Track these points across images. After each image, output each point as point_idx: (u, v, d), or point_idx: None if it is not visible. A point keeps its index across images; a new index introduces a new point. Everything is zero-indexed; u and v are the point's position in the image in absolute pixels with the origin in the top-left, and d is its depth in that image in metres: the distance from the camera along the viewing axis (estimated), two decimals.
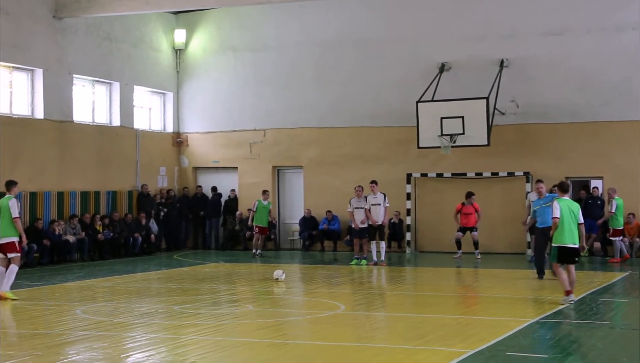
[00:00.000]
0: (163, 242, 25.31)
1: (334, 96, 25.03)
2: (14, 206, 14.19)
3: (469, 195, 21.37)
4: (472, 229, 21.34)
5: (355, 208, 20.20)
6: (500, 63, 23.15)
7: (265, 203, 22.86)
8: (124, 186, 24.51)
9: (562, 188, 13.59)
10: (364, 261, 20.13)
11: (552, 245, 13.31)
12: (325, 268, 20.45)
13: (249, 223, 23.49)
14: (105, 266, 20.46)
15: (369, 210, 19.95)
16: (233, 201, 26.16)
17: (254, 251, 22.94)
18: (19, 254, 14.45)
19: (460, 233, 21.45)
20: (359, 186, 20.53)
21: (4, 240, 14.24)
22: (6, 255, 14.26)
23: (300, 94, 25.39)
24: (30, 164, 21.42)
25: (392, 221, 23.35)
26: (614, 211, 20.77)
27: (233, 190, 26.24)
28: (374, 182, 20.24)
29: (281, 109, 25.61)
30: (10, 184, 14.61)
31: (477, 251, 21.49)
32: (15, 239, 14.29)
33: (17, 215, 14.27)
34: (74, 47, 22.87)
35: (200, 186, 26.29)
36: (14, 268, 14.25)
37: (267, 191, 23.32)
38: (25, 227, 20.54)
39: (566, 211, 13.11)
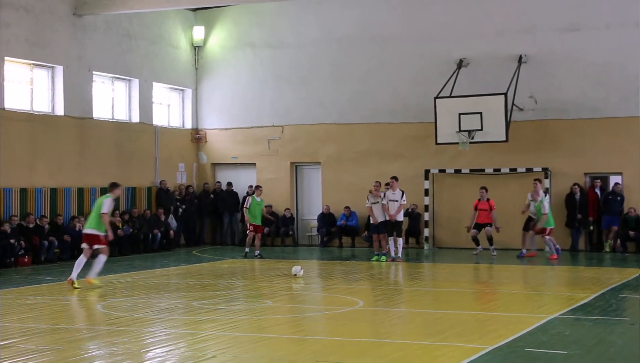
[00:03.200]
0: (182, 238, 25.42)
1: (352, 92, 25.03)
2: (106, 203, 15.24)
3: (481, 189, 21.66)
4: (486, 224, 21.48)
5: (373, 203, 20.24)
6: (519, 59, 23.06)
7: (259, 199, 21.54)
8: (143, 182, 24.63)
9: None
10: (383, 257, 20.15)
11: None
12: (343, 264, 20.46)
13: (246, 220, 21.83)
14: (124, 262, 20.58)
15: (387, 206, 19.97)
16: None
17: (247, 250, 21.50)
18: (105, 245, 15.39)
19: (475, 230, 21.59)
20: (377, 181, 20.57)
21: (89, 231, 15.37)
22: (90, 246, 15.26)
23: (318, 91, 25.42)
24: (50, 161, 21.58)
25: (409, 209, 23.35)
26: (547, 212, 20.48)
27: (251, 186, 26.27)
28: (394, 178, 20.25)
29: (299, 105, 25.64)
30: (112, 186, 15.85)
31: (492, 247, 21.54)
32: (101, 233, 15.28)
33: (106, 211, 15.20)
34: (93, 44, 23.00)
35: (219, 182, 26.40)
36: (102, 258, 15.28)
37: (260, 186, 22.38)
38: (46, 223, 20.78)
39: None
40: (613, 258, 21.12)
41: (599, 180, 22.93)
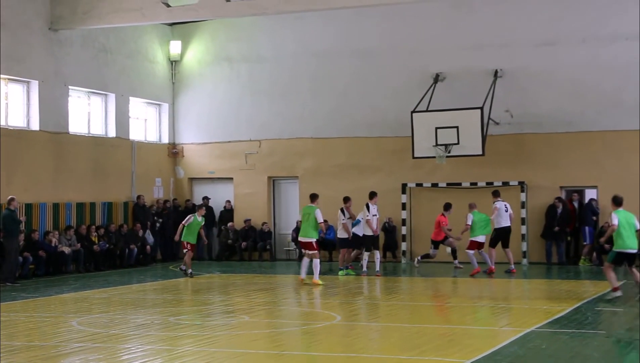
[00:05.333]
0: (159, 253, 25.30)
1: (330, 107, 25.09)
2: (319, 214, 18.22)
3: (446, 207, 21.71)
4: (443, 240, 21.53)
5: (348, 218, 20.28)
6: (495, 73, 23.24)
7: (200, 218, 20.55)
8: (120, 197, 24.51)
9: (616, 201, 15.09)
10: (351, 271, 20.21)
11: (613, 249, 14.98)
12: (321, 278, 20.41)
13: (176, 237, 20.66)
14: (100, 278, 20.44)
15: (371, 221, 19.88)
16: (228, 212, 26.15)
17: (189, 270, 20.20)
18: (317, 251, 18.34)
19: (435, 251, 21.75)
20: (348, 197, 20.47)
21: (304, 239, 18.32)
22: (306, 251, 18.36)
23: (295, 105, 25.45)
24: (25, 176, 21.42)
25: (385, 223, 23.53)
26: (469, 223, 20.19)
27: (228, 201, 26.24)
28: (374, 193, 20.21)
29: (277, 119, 25.66)
30: (314, 197, 18.77)
31: (457, 260, 21.67)
32: (314, 239, 18.28)
33: (321, 220, 18.31)
34: (69, 59, 22.91)
35: (188, 200, 26.18)
36: (316, 262, 18.18)
37: (202, 206, 22.16)
38: (20, 239, 20.58)
39: (623, 221, 14.74)
40: (589, 271, 21.25)
41: (576, 194, 23.10)
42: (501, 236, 20.56)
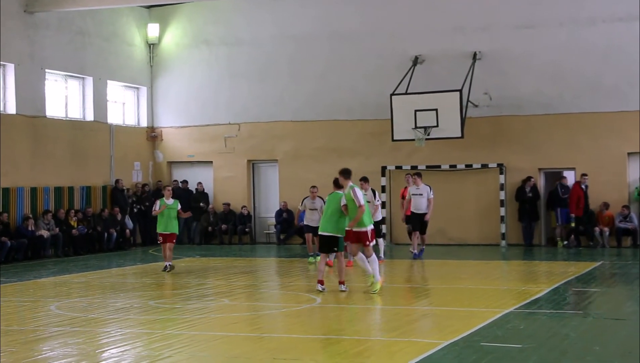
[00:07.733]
0: (138, 237, 25.21)
1: (309, 90, 25.04)
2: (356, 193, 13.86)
3: (406, 175, 20.62)
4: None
5: (310, 209, 19.56)
6: (474, 56, 23.26)
7: (171, 202, 17.95)
8: (98, 181, 24.37)
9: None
10: (319, 257, 19.85)
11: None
12: (301, 261, 20.44)
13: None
14: (79, 262, 20.35)
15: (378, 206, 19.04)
16: (202, 194, 25.97)
17: (166, 263, 17.71)
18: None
19: (410, 226, 20.15)
20: (314, 186, 19.76)
21: (369, 229, 14.16)
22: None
23: (274, 88, 25.37)
24: (2, 160, 21.23)
25: None
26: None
27: (200, 183, 26.03)
28: (365, 179, 18.26)
29: (256, 103, 25.58)
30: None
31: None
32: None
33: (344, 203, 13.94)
34: (46, 42, 22.68)
35: (175, 180, 26.11)
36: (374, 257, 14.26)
37: (169, 186, 19.75)
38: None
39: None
40: (566, 252, 21.40)
41: (565, 178, 22.93)
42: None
